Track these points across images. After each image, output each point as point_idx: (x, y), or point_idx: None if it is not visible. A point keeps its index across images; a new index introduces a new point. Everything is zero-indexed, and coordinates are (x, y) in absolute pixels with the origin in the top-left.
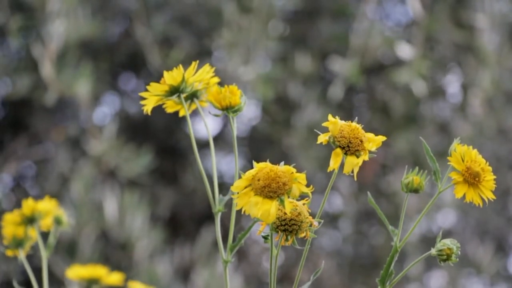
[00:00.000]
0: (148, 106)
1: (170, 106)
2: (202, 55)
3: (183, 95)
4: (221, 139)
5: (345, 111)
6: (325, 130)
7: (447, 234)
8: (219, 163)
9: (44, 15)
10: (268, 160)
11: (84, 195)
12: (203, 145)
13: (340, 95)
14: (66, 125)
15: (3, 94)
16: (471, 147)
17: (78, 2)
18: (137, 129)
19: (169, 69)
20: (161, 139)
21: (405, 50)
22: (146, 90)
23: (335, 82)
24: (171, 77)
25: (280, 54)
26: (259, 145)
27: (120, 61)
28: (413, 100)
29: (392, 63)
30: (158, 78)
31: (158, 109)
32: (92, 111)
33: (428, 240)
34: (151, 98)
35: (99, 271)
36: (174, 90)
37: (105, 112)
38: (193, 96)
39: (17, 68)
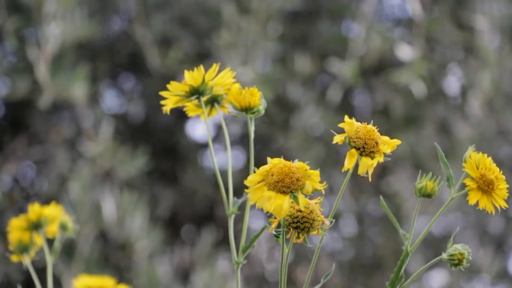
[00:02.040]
0: (167, 107)
1: (192, 110)
2: (201, 55)
3: (203, 98)
4: (218, 140)
5: (345, 112)
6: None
7: (446, 235)
8: (218, 163)
9: (41, 17)
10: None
11: (83, 196)
12: (202, 146)
13: (339, 97)
14: (64, 126)
15: (2, 95)
16: (485, 154)
17: (76, 4)
18: (137, 129)
19: (168, 69)
20: (161, 139)
21: (405, 51)
22: (147, 90)
23: (334, 84)
24: (191, 77)
25: (279, 55)
26: (257, 146)
27: (119, 61)
28: (413, 101)
29: (392, 64)
30: (157, 78)
31: (158, 109)
32: (89, 112)
33: (427, 242)
34: (171, 98)
35: (106, 281)
36: (194, 91)
37: (102, 113)
38: (213, 101)
39: (14, 69)
